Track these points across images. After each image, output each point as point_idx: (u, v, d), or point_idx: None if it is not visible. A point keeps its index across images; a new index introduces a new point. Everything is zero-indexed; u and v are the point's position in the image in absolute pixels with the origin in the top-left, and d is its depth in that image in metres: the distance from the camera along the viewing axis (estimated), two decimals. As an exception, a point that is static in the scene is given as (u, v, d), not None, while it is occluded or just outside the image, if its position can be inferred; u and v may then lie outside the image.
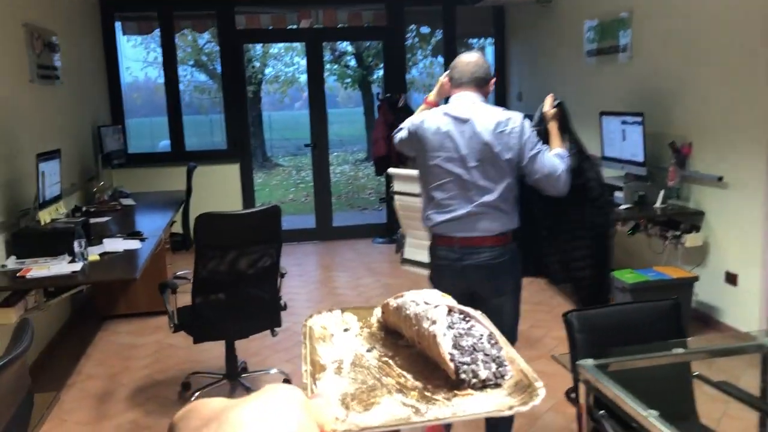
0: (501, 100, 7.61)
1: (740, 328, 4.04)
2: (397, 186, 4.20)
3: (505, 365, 0.67)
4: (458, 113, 2.53)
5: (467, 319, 0.69)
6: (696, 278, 4.10)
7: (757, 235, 3.90)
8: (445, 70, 2.71)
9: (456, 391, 0.66)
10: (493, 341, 0.68)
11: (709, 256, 4.32)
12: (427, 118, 2.58)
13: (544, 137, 2.62)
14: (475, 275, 2.57)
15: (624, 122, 4.79)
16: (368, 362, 0.75)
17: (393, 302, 0.79)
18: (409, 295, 0.76)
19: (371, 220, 8.97)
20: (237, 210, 3.03)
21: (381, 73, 14.98)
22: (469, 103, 2.55)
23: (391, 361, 0.74)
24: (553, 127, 2.66)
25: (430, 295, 0.74)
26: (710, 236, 4.29)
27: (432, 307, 0.70)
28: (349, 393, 0.67)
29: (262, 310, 3.43)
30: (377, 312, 0.84)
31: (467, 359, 0.65)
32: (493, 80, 2.65)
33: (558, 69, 6.26)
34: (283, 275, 3.49)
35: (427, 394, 0.67)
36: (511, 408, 0.62)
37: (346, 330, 0.82)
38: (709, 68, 4.21)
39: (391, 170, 4.24)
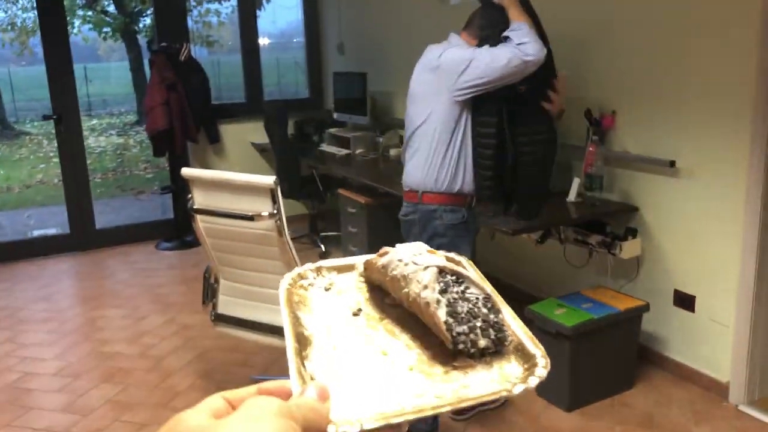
0: (315, 54, 5.96)
1: (702, 371, 2.95)
2: (199, 198, 2.42)
3: (504, 330, 0.60)
4: None
5: (460, 280, 0.62)
6: (647, 307, 2.90)
7: (730, 244, 2.78)
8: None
9: (455, 363, 0.59)
10: (489, 305, 0.61)
11: (646, 270, 3.16)
12: None
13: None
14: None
15: (516, 83, 3.43)
16: (356, 329, 0.66)
17: (378, 260, 0.70)
18: (395, 252, 0.67)
19: (152, 215, 6.86)
20: None
21: (149, 21, 12.64)
22: None
23: (380, 325, 0.67)
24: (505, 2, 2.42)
25: (418, 253, 0.66)
26: (647, 242, 3.13)
27: (422, 269, 0.63)
28: (340, 374, 0.59)
29: None
30: (359, 267, 0.75)
31: (464, 328, 0.59)
32: None
33: (404, 10, 4.75)
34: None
35: (423, 367, 0.60)
36: (511, 388, 0.55)
37: (327, 289, 0.73)
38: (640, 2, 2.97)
39: (188, 171, 2.44)
